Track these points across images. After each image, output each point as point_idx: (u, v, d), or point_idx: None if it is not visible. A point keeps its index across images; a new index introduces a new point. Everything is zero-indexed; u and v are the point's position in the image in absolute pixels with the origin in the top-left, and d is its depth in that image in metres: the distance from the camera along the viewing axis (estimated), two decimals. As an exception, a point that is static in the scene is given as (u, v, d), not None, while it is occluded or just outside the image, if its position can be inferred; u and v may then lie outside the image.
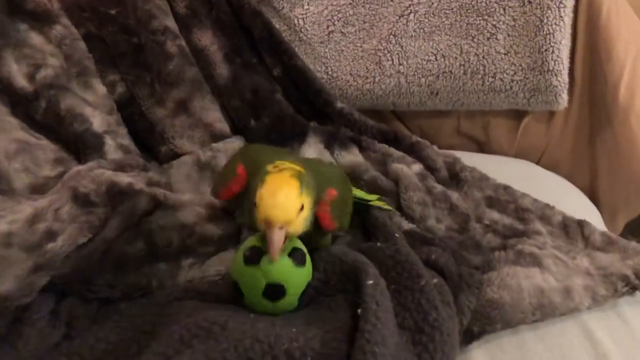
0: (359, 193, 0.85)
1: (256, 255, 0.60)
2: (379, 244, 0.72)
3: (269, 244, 0.58)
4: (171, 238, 0.70)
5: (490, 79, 1.06)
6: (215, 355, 0.53)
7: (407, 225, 0.85)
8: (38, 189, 0.81)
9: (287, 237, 0.60)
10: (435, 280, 0.68)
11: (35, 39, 1.00)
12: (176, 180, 0.87)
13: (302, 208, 0.59)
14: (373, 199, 0.86)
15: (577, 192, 1.10)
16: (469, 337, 0.68)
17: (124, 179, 0.73)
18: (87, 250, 0.64)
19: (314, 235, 0.67)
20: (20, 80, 0.95)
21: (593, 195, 1.13)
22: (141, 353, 0.57)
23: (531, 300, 0.70)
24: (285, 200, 0.58)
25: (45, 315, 0.61)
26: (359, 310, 0.57)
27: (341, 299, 0.63)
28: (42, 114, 0.94)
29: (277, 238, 0.57)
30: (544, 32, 1.03)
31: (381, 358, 0.52)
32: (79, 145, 0.91)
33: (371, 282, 0.60)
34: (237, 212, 0.77)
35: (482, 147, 1.18)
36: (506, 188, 0.95)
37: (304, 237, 0.65)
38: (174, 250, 0.70)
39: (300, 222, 0.60)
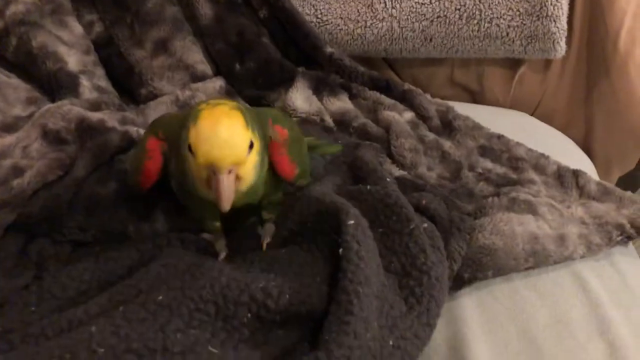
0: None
1: None
2: (368, 187, 0.68)
3: (216, 193, 0.47)
4: None
5: (487, 25, 1.02)
6: (191, 293, 0.51)
7: (397, 172, 0.82)
8: (8, 128, 0.77)
9: (239, 186, 0.50)
10: (425, 225, 0.65)
11: (6, -27, 0.94)
12: (152, 118, 0.83)
13: (251, 146, 0.49)
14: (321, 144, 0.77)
15: (571, 144, 1.07)
16: (459, 283, 0.65)
17: (95, 115, 0.69)
18: (56, 189, 0.60)
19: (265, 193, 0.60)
20: (-11, 15, 0.89)
21: (588, 148, 1.10)
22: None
23: (524, 247, 0.67)
24: (229, 134, 0.46)
25: (13, 255, 0.58)
26: (340, 250, 0.54)
27: (320, 240, 0.60)
28: (13, 52, 0.89)
29: (227, 184, 0.47)
30: (544, -25, 0.98)
31: (365, 298, 0.50)
32: (52, 84, 0.86)
33: (352, 222, 0.57)
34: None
35: (476, 97, 1.15)
36: (500, 137, 0.92)
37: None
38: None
39: (251, 168, 0.50)
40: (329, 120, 0.94)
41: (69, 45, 0.91)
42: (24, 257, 0.59)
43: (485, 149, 0.90)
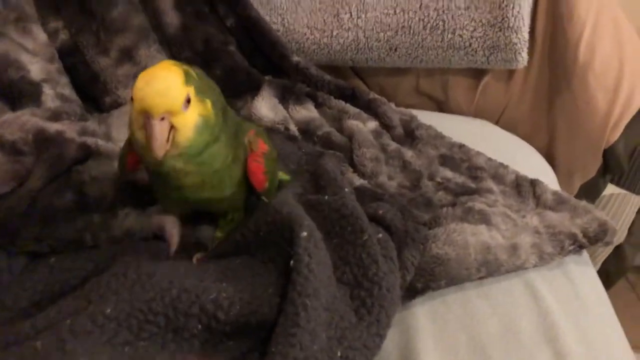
0: None
1: None
2: (326, 197, 0.69)
3: (148, 138, 0.48)
4: (105, 189, 0.66)
5: (450, 35, 1.04)
6: (140, 305, 0.51)
7: (358, 181, 0.83)
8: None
9: (174, 138, 0.50)
10: (379, 235, 0.67)
11: (-31, -20, 0.94)
12: (115, 129, 0.83)
13: (188, 102, 0.50)
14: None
15: (534, 153, 1.10)
16: (412, 293, 0.66)
17: (53, 126, 0.69)
18: (10, 201, 0.60)
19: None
20: (-50, 22, 0.89)
21: (550, 157, 1.13)
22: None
23: (476, 257, 0.69)
24: (164, 84, 0.48)
25: (-36, 268, 0.58)
26: (291, 262, 0.55)
27: (273, 251, 0.61)
28: None
29: (159, 129, 0.48)
30: (505, -13, 1.00)
31: (312, 311, 0.50)
32: (14, 93, 0.86)
33: (305, 234, 0.58)
34: None
35: (441, 106, 1.17)
36: (461, 147, 0.94)
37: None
38: (109, 201, 0.66)
39: (189, 123, 0.50)
40: (293, 129, 0.95)
41: (33, 54, 0.91)
42: (-24, 270, 0.59)
43: (445, 158, 0.92)
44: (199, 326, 0.53)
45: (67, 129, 0.70)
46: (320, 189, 0.78)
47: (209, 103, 0.53)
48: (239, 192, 0.63)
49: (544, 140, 1.14)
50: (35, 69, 0.89)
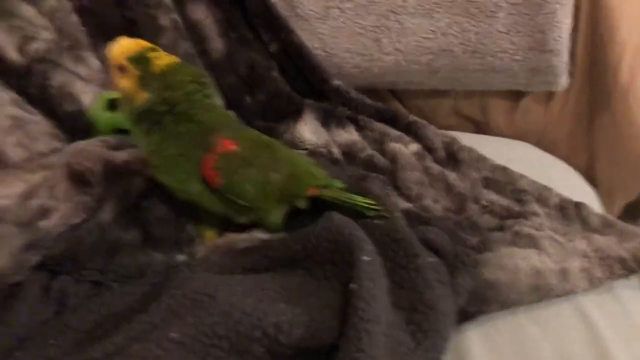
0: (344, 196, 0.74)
1: None
2: (377, 221, 0.71)
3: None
4: (167, 229, 0.68)
5: (490, 58, 1.05)
6: (204, 328, 0.53)
7: (403, 204, 0.84)
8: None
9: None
10: (431, 259, 0.68)
11: (28, 11, 0.98)
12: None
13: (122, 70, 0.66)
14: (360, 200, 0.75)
15: (574, 174, 1.09)
16: (464, 317, 0.67)
17: (120, 156, 0.71)
18: (80, 232, 0.63)
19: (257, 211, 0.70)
20: (11, 52, 0.93)
21: (591, 178, 1.12)
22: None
23: (527, 282, 0.69)
24: (124, 44, 0.67)
25: (37, 292, 0.60)
26: (351, 286, 0.56)
27: (330, 271, 0.62)
28: (35, 89, 0.92)
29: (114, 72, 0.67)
30: (546, 11, 1.01)
31: (375, 336, 0.52)
32: (71, 125, 0.90)
33: (366, 258, 0.59)
34: None
35: (480, 127, 1.17)
36: (504, 169, 0.94)
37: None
38: (171, 243, 0.69)
39: (122, 84, 0.66)
40: (336, 152, 0.96)
41: (86, 81, 0.95)
42: (46, 294, 0.61)
43: (489, 180, 0.92)
44: (261, 349, 0.55)
45: (132, 158, 0.72)
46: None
47: (143, 93, 0.65)
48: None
49: (584, 161, 1.14)
50: (89, 98, 0.93)
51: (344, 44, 1.10)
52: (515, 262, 0.71)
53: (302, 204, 0.73)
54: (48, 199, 0.65)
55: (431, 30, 1.06)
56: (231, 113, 1.02)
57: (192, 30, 1.05)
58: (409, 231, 0.69)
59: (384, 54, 1.09)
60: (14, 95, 0.88)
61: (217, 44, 1.06)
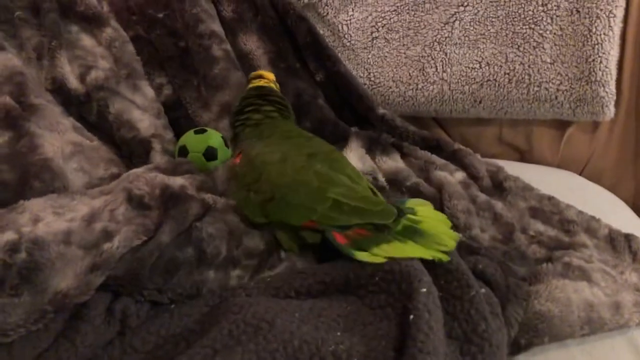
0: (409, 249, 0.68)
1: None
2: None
3: None
4: (220, 248, 0.70)
5: (536, 88, 1.05)
6: (265, 355, 0.54)
7: (452, 234, 0.85)
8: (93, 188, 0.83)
9: None
10: (483, 291, 0.68)
11: (87, 40, 1.03)
12: (220, 182, 0.88)
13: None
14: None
15: (621, 205, 1.08)
16: (516, 349, 0.67)
17: (177, 182, 0.74)
18: (140, 253, 0.65)
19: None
20: (73, 81, 0.97)
21: (637, 208, 1.11)
22: (190, 347, 0.58)
23: (580, 314, 0.69)
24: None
25: (101, 313, 0.63)
26: (410, 317, 0.57)
27: (384, 300, 0.63)
28: (95, 116, 0.96)
29: None
30: (592, 42, 1.02)
31: (433, 367, 0.52)
32: (127, 151, 0.93)
33: (424, 290, 0.60)
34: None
35: (524, 156, 1.17)
36: (550, 199, 0.94)
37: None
38: (222, 260, 0.71)
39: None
40: (381, 180, 0.98)
41: (142, 109, 0.99)
42: (110, 315, 0.64)
43: (536, 210, 0.92)
44: (320, 377, 0.56)
45: (189, 184, 0.75)
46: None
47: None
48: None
49: (631, 191, 1.13)
50: (145, 125, 0.97)
51: (389, 73, 1.13)
52: (567, 294, 0.70)
53: (308, 236, 0.73)
54: (110, 222, 0.67)
55: (476, 60, 1.08)
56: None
57: (243, 61, 1.09)
58: (462, 262, 0.69)
59: (428, 83, 1.11)
60: (75, 123, 0.92)
61: (266, 74, 1.09)
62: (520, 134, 1.16)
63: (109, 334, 0.63)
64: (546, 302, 0.70)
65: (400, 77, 1.12)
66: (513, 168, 1.04)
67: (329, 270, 0.68)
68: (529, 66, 1.05)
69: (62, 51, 0.98)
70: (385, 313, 0.62)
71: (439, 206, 0.91)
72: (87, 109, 0.96)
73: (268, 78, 0.98)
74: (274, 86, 0.98)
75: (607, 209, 1.01)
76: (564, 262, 0.77)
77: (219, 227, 0.73)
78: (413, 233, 0.68)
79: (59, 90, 0.96)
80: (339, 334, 0.59)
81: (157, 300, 0.67)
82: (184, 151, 0.93)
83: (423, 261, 0.69)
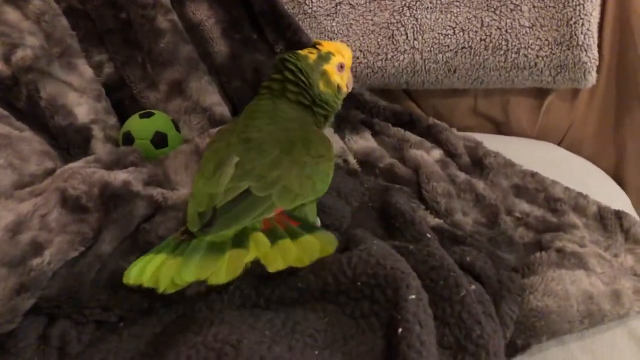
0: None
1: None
2: (410, 246, 0.64)
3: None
4: None
5: (514, 55, 0.98)
6: None
7: (432, 220, 0.77)
8: (23, 187, 0.72)
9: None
10: (473, 287, 0.61)
11: (11, 14, 0.90)
12: (172, 172, 0.78)
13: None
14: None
15: (602, 175, 1.03)
16: (512, 350, 0.61)
17: (119, 177, 0.64)
18: (78, 267, 0.56)
19: None
20: (-4, 62, 0.85)
21: (619, 178, 1.06)
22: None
23: (579, 308, 0.63)
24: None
25: (33, 342, 0.53)
26: (399, 330, 0.50)
27: (368, 308, 0.55)
28: (25, 102, 0.84)
29: None
30: (573, 4, 0.95)
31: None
32: (64, 141, 0.82)
33: (413, 296, 0.53)
34: None
35: (501, 127, 1.11)
36: (534, 175, 0.88)
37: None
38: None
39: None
40: (353, 162, 0.89)
41: (80, 91, 0.87)
42: (44, 343, 0.54)
43: (519, 188, 0.86)
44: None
45: (133, 178, 0.65)
46: (395, 232, 0.73)
47: None
48: None
49: (611, 161, 1.08)
50: (83, 110, 0.85)
51: (356, 42, 1.03)
52: (565, 286, 0.64)
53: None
54: (41, 230, 0.57)
55: (450, 26, 0.99)
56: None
57: (193, 32, 0.97)
58: (447, 256, 0.62)
59: (399, 53, 1.02)
60: (1, 111, 0.80)
61: (220, 46, 0.98)
62: (496, 105, 1.09)
63: (45, 367, 0.53)
64: (543, 297, 0.63)
65: (367, 46, 1.03)
66: (490, 141, 0.97)
67: (305, 273, 0.59)
68: (506, 31, 0.97)
69: (-20, 28, 0.85)
70: (369, 324, 0.54)
71: (417, 188, 0.84)
72: (15, 94, 0.84)
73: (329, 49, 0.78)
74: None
75: (589, 180, 0.96)
76: (557, 248, 0.71)
77: (171, 227, 0.64)
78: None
79: (-19, 75, 0.84)
80: (316, 352, 0.51)
81: (103, 320, 0.58)
82: (129, 138, 0.82)
83: (405, 260, 0.61)
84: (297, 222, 0.59)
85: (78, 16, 0.96)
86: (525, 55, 0.98)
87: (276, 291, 0.58)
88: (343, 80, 0.79)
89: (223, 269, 0.51)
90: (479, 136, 0.98)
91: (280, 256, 0.53)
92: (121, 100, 0.93)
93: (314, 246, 0.55)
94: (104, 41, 0.96)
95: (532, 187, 0.86)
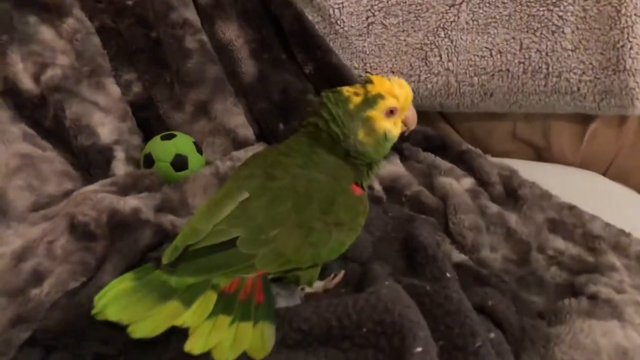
0: None
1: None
2: (427, 287, 0.60)
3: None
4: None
5: (555, 79, 0.93)
6: None
7: (457, 256, 0.73)
8: (40, 208, 0.72)
9: None
10: (492, 335, 0.57)
11: (46, 33, 0.92)
12: (191, 195, 0.76)
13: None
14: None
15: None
16: (534, 409, 0.56)
17: (129, 203, 0.63)
18: (78, 298, 0.54)
19: None
20: (26, 81, 0.86)
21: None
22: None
23: (611, 364, 0.57)
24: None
25: (28, 376, 0.52)
26: None
27: (372, 357, 0.52)
28: (51, 121, 0.85)
29: None
30: (621, 25, 0.89)
31: None
32: (85, 161, 0.82)
33: (420, 349, 0.49)
34: None
35: (541, 154, 1.05)
36: (571, 208, 0.82)
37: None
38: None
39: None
40: (378, 188, 0.86)
41: (105, 111, 0.87)
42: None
43: (555, 223, 0.80)
44: None
45: (144, 205, 0.64)
46: (416, 267, 0.69)
47: None
48: None
49: (662, 193, 1.00)
50: (107, 130, 0.85)
51: (388, 63, 1.00)
52: (594, 339, 0.58)
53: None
54: (45, 258, 0.57)
55: (486, 47, 0.95)
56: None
57: (222, 52, 0.97)
58: (465, 301, 0.57)
59: (432, 75, 0.98)
60: (27, 129, 0.81)
61: (248, 67, 0.97)
62: (536, 130, 1.03)
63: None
64: (569, 349, 0.58)
65: (400, 67, 0.99)
66: (528, 168, 0.92)
67: (309, 314, 0.56)
68: (546, 54, 0.92)
69: (14, 47, 0.87)
70: None
71: (444, 219, 0.79)
72: (42, 113, 0.85)
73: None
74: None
75: (637, 217, 0.89)
76: (590, 293, 0.65)
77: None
78: None
79: (11, 92, 0.85)
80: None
81: (102, 353, 0.56)
82: (149, 160, 0.81)
83: (419, 302, 0.57)
84: (263, 295, 0.53)
85: (110, 35, 0.97)
86: (567, 80, 0.92)
87: (279, 332, 0.55)
88: (394, 125, 0.66)
89: (147, 322, 0.47)
90: (516, 163, 0.93)
91: (206, 337, 0.48)
92: (147, 120, 0.93)
93: (243, 341, 0.49)
94: (133, 60, 0.97)
95: (570, 221, 0.80)
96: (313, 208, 0.58)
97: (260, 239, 0.54)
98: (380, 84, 0.65)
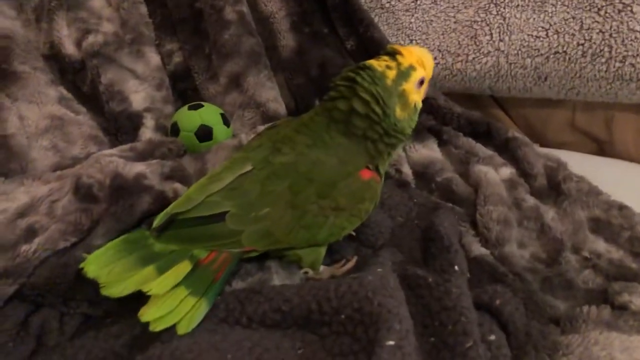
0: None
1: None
2: (430, 279, 0.56)
3: None
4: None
5: (618, 64, 0.84)
6: None
7: (477, 249, 0.68)
8: (62, 169, 0.74)
9: None
10: (492, 337, 0.52)
11: (95, 0, 0.93)
12: (212, 165, 0.76)
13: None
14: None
15: None
16: None
17: (134, 169, 0.63)
18: (66, 258, 0.55)
19: None
20: (69, 46, 0.89)
21: None
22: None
23: (627, 386, 0.51)
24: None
25: (11, 328, 0.53)
26: None
27: (347, 346, 0.49)
28: (88, 86, 0.87)
29: None
30: (700, 3, 0.78)
31: None
32: (114, 126, 0.83)
33: (391, 343, 0.45)
34: None
35: (603, 147, 0.95)
36: (622, 208, 0.74)
37: None
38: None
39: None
40: (407, 172, 0.81)
41: (141, 79, 0.88)
42: (23, 330, 0.54)
43: (599, 223, 0.73)
44: None
45: (151, 171, 0.64)
46: (428, 257, 0.64)
47: None
48: None
49: None
50: (139, 98, 0.86)
51: (435, 40, 0.94)
52: (611, 353, 0.52)
53: None
54: (45, 216, 0.58)
55: (542, 27, 0.87)
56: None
57: (263, 24, 0.95)
58: (465, 298, 0.53)
59: (481, 54, 0.91)
60: (64, 93, 0.83)
61: (287, 40, 0.95)
62: (598, 120, 0.94)
63: (20, 354, 0.53)
64: (578, 363, 0.52)
65: (447, 46, 0.93)
66: (585, 162, 0.84)
67: (290, 295, 0.53)
68: (610, 35, 0.83)
69: (62, 12, 0.90)
70: None
71: (472, 210, 0.74)
72: (82, 78, 0.88)
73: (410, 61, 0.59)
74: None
75: None
76: (620, 304, 0.58)
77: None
78: None
79: (56, 57, 0.88)
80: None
81: (90, 313, 0.57)
82: (175, 129, 0.81)
83: (418, 294, 0.54)
84: (220, 277, 0.53)
85: (156, 4, 0.97)
86: (633, 65, 0.83)
87: (259, 310, 0.53)
88: (420, 97, 0.61)
89: (118, 284, 0.48)
90: (573, 155, 0.86)
91: (159, 307, 0.48)
92: (185, 90, 0.93)
93: (180, 314, 0.49)
94: (176, 30, 0.97)
95: (617, 222, 0.72)
96: (310, 190, 0.56)
97: (250, 216, 0.53)
98: (409, 54, 0.59)
